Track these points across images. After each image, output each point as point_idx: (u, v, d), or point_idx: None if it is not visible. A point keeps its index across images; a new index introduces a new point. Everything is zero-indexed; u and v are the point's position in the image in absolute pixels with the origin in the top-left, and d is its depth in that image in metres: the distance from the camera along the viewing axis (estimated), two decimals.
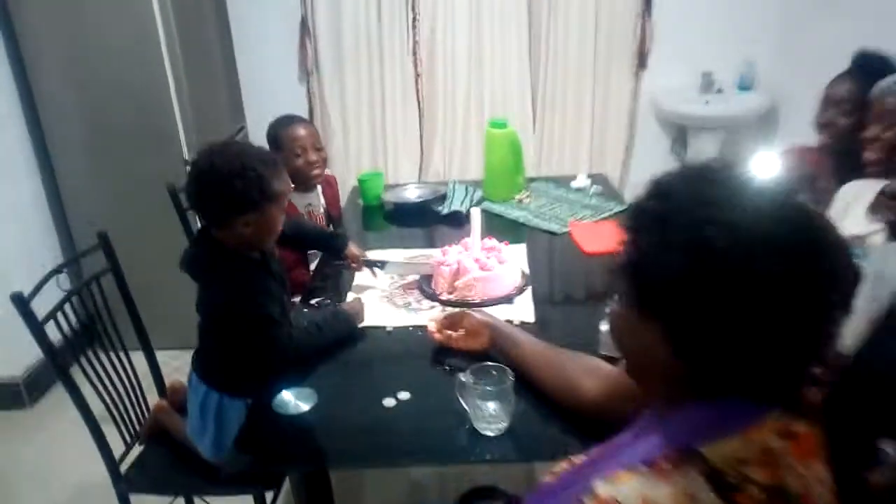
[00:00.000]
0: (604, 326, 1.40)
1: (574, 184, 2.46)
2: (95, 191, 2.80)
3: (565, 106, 3.62)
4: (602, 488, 0.67)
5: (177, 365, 2.42)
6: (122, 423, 1.70)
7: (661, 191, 0.73)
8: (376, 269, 1.84)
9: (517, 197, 2.37)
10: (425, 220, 2.31)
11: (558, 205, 2.31)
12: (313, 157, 2.18)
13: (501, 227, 2.25)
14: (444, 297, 1.68)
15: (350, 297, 1.74)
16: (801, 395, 0.74)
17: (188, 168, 1.49)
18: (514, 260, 1.72)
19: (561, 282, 1.93)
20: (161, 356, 1.96)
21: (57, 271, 1.60)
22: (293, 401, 1.34)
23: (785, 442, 0.69)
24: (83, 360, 1.60)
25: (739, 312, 0.66)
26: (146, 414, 1.80)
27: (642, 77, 3.62)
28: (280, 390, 1.36)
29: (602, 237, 2.01)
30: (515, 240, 2.02)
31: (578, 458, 0.89)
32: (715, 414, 0.71)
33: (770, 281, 0.65)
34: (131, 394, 1.75)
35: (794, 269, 0.65)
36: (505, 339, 1.38)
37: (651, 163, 3.73)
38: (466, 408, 1.22)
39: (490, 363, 1.27)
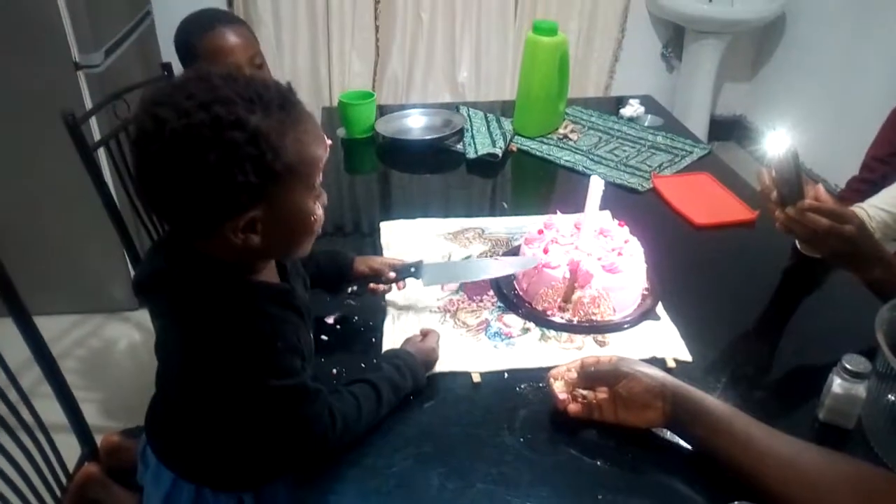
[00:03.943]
0: (843, 385, 0.90)
1: (625, 112, 1.87)
2: None
3: None
4: None
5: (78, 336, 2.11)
6: None
7: None
8: (411, 279, 1.13)
9: (560, 130, 1.76)
10: (441, 164, 1.67)
11: (618, 144, 1.73)
12: None
13: (546, 177, 1.66)
14: (557, 317, 1.10)
15: (402, 320, 1.11)
16: None
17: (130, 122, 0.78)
18: (637, 250, 1.15)
19: (680, 277, 1.22)
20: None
21: None
22: None
23: None
24: None
25: None
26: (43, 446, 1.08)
27: None
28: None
29: (704, 200, 1.47)
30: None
31: None
32: None
33: None
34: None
35: None
36: (695, 418, 0.84)
37: (639, 67, 3.28)
38: None
39: None
